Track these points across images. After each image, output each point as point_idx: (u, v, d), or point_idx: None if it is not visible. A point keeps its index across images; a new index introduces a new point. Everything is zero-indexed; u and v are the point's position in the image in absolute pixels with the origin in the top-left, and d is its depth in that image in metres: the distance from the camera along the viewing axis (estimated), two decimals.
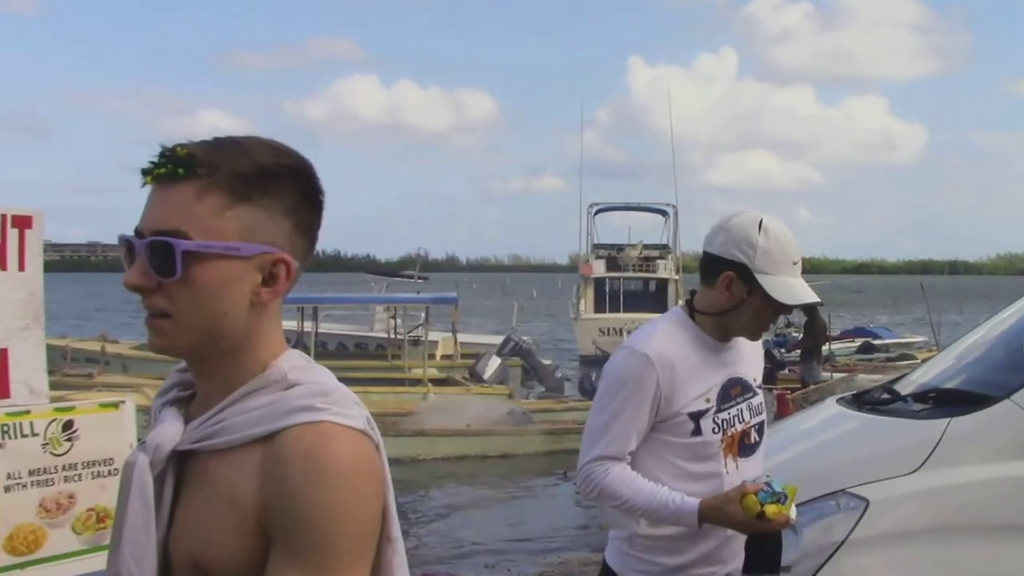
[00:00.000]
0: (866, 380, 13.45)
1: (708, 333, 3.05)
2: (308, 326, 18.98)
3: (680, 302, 3.34)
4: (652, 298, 31.64)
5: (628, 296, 31.88)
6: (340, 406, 1.54)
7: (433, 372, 19.19)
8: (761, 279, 2.93)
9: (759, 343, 3.26)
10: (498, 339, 22.45)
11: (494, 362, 19.36)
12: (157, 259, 1.49)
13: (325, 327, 22.74)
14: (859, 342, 26.91)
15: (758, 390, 3.23)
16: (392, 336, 22.13)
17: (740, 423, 3.11)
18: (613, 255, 33.73)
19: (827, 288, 38.87)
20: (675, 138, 38.24)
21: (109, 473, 3.99)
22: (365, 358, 22.29)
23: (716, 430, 3.03)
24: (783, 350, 20.76)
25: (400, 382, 18.23)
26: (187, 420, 1.62)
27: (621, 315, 28.96)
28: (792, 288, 2.97)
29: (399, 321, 21.98)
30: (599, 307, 31.24)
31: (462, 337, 22.98)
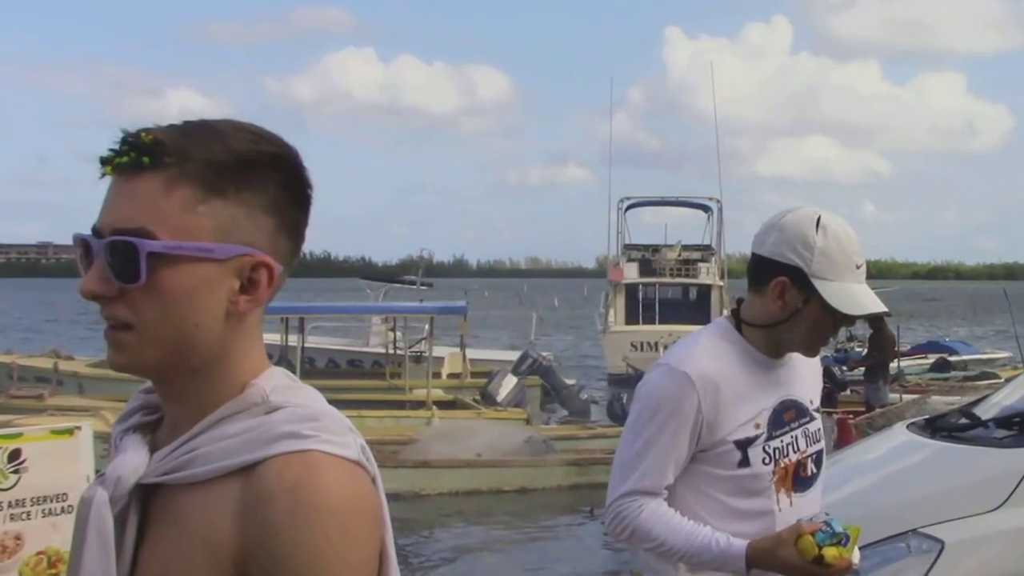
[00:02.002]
0: (940, 402, 13.41)
1: (758, 348, 3.04)
2: (293, 340, 18.98)
3: (725, 312, 3.33)
4: (692, 307, 31.61)
5: (665, 305, 31.85)
6: (330, 433, 1.53)
7: (438, 393, 19.18)
8: (819, 285, 2.92)
9: (817, 360, 3.25)
10: (514, 355, 22.45)
11: (509, 381, 19.34)
12: (118, 262, 1.49)
13: (313, 341, 22.76)
14: (932, 358, 26.80)
15: (816, 414, 3.22)
16: (391, 352, 22.15)
17: (795, 452, 3.10)
18: (647, 257, 33.72)
19: (896, 296, 38.83)
20: (719, 122, 38.20)
21: (62, 511, 4.00)
22: (360, 377, 22.30)
23: (767, 461, 3.02)
24: (844, 368, 20.71)
25: (400, 405, 18.23)
26: (153, 449, 1.61)
27: (656, 327, 28.93)
28: (855, 296, 2.96)
29: (399, 334, 21.99)
30: (631, 318, 31.21)
31: (472, 353, 22.98)
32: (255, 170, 1.55)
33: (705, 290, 32.45)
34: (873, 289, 3.03)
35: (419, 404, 17.94)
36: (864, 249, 3.02)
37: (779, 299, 2.96)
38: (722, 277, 32.31)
